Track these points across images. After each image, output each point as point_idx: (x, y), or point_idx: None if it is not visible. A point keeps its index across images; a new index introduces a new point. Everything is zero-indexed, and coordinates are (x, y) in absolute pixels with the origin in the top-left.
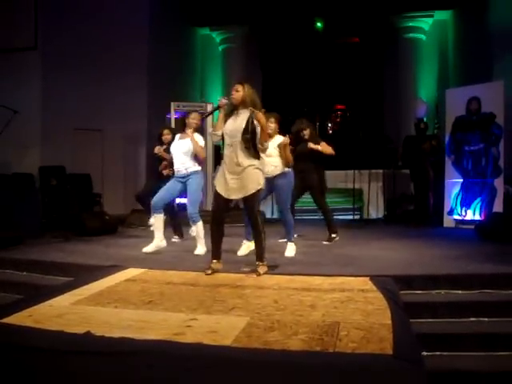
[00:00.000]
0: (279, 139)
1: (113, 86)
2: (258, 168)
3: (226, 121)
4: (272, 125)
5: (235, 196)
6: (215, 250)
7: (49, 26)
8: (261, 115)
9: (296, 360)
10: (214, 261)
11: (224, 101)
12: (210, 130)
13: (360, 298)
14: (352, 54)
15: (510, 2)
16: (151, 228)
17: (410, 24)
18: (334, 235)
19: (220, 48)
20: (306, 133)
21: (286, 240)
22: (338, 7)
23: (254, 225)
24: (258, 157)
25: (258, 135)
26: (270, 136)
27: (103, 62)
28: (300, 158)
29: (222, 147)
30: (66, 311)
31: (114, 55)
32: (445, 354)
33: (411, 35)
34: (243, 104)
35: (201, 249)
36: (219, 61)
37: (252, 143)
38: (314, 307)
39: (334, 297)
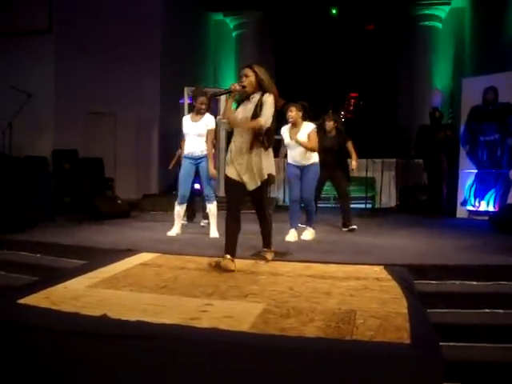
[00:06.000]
0: (309, 127)
1: (126, 71)
2: (267, 157)
3: (237, 107)
4: (292, 113)
5: (248, 182)
6: (229, 245)
7: (63, 9)
8: (270, 97)
9: (313, 347)
10: (228, 256)
11: (238, 87)
12: (218, 117)
13: (375, 286)
14: (367, 41)
15: None
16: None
17: (427, 12)
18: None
19: (234, 34)
20: (329, 125)
21: (305, 226)
22: None
23: (262, 214)
24: (267, 146)
25: (263, 110)
26: (296, 125)
27: (117, 47)
28: (323, 151)
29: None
30: (82, 294)
31: (127, 40)
32: (458, 344)
33: (427, 23)
34: (258, 88)
35: (215, 231)
36: (232, 46)
37: (260, 131)
38: (329, 295)
39: (349, 285)
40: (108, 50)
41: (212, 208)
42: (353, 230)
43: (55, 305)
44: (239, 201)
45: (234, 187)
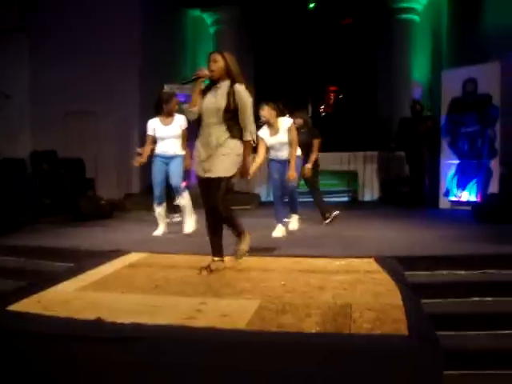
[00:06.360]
0: (287, 122)
1: (104, 69)
2: (236, 154)
3: (203, 96)
4: (264, 112)
5: (208, 174)
6: (215, 247)
7: (36, 6)
8: (242, 88)
9: (314, 342)
10: (216, 258)
11: (206, 72)
12: (185, 105)
13: (368, 279)
14: (345, 34)
15: None
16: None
17: (404, 5)
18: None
19: (211, 30)
20: (297, 122)
21: (290, 217)
22: None
23: (213, 212)
24: (238, 140)
25: (241, 116)
26: (271, 124)
27: (94, 45)
28: None
29: (198, 127)
30: (73, 297)
31: (105, 37)
32: (450, 333)
33: (404, 16)
34: (226, 76)
35: (190, 224)
36: (210, 43)
37: (234, 123)
38: (322, 289)
39: (341, 278)
40: (85, 49)
41: (183, 201)
42: (334, 217)
43: (47, 309)
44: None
45: (206, 187)
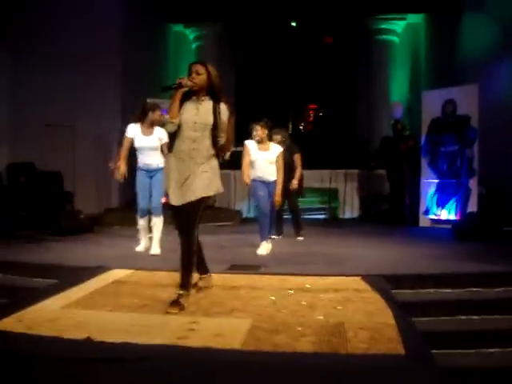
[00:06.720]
0: (277, 149)
1: (85, 82)
2: (215, 173)
3: (180, 106)
4: (258, 132)
5: (178, 200)
6: (200, 267)
7: (18, 18)
8: (225, 108)
9: (311, 362)
10: (202, 276)
11: (189, 83)
12: (165, 116)
13: (357, 297)
14: (326, 53)
15: (484, 6)
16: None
17: (383, 26)
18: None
19: (193, 45)
20: (275, 138)
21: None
22: (313, 7)
23: (186, 243)
24: (217, 158)
25: (221, 134)
26: (262, 141)
27: (75, 57)
28: None
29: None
30: (58, 316)
31: (86, 50)
32: (438, 352)
33: (384, 37)
34: (208, 90)
35: (157, 247)
36: (192, 57)
37: (215, 140)
38: (313, 308)
39: (331, 297)
40: (66, 61)
41: (158, 222)
42: (299, 239)
43: (31, 329)
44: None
45: (174, 208)
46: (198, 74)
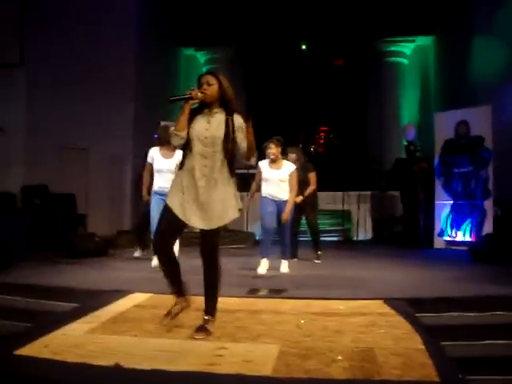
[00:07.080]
0: (290, 167)
1: (99, 105)
2: (229, 196)
3: (191, 119)
4: (272, 150)
5: (199, 224)
6: (172, 285)
7: (36, 42)
8: (241, 120)
9: None
10: (179, 299)
11: (200, 95)
12: (171, 128)
13: (383, 322)
14: (336, 76)
15: (493, 27)
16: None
17: (393, 48)
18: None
19: (204, 69)
20: (291, 157)
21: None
22: (323, 30)
23: (210, 265)
24: (233, 174)
25: (240, 147)
26: (275, 160)
27: (90, 81)
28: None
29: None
30: (84, 341)
31: (100, 74)
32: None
33: (394, 59)
34: (220, 101)
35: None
36: None
37: (232, 156)
38: (340, 332)
39: (356, 321)
40: (81, 85)
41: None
42: (316, 262)
43: (57, 354)
44: (173, 236)
45: (170, 220)
46: (209, 84)
